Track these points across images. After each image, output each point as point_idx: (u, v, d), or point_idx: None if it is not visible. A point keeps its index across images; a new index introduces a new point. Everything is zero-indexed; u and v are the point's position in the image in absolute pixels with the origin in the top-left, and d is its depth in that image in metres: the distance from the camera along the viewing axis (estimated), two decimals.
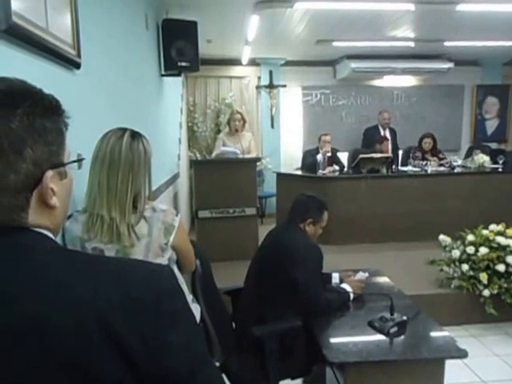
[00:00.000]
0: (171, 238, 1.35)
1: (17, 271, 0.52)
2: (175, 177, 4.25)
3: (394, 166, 4.76)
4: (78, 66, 1.46)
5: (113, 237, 1.25)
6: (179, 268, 1.49)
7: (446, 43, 5.42)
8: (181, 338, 0.57)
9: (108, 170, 1.26)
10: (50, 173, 0.56)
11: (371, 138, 5.56)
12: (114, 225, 1.24)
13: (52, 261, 0.55)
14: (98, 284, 0.54)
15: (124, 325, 0.52)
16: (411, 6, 3.90)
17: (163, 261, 1.34)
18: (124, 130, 1.33)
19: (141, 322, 0.53)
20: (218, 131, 5.97)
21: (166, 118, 3.87)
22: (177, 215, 1.40)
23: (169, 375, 0.55)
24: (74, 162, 0.63)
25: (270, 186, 5.85)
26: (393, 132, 5.82)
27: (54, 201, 0.58)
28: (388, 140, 5.48)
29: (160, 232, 1.33)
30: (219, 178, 3.79)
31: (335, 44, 5.28)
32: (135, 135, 1.33)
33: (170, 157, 4.02)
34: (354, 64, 5.87)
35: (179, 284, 0.61)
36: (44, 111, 0.56)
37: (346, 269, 2.32)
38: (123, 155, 1.26)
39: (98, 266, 0.58)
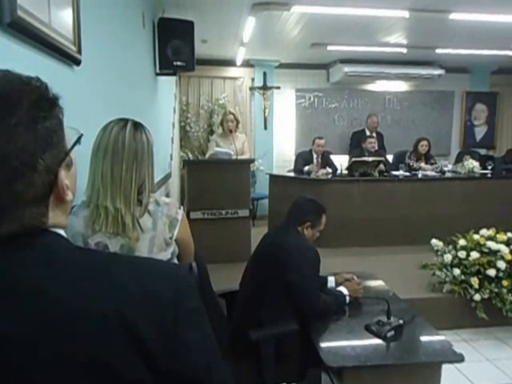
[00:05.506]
0: (175, 232, 1.34)
1: (41, 272, 0.52)
2: (167, 177, 4.21)
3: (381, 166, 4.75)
4: (78, 62, 1.44)
5: (118, 228, 1.22)
6: (178, 260, 1.47)
7: (438, 50, 5.51)
8: (198, 336, 0.58)
9: (112, 159, 1.23)
10: (62, 173, 0.56)
11: (357, 141, 5.61)
12: (118, 216, 1.21)
13: (72, 261, 0.55)
14: (117, 281, 0.54)
15: (144, 321, 0.52)
16: (406, 13, 3.96)
17: (166, 255, 1.32)
18: (126, 120, 1.30)
19: (160, 319, 0.54)
20: (211, 132, 5.95)
21: (159, 116, 3.84)
22: (180, 208, 1.39)
23: (186, 373, 0.55)
24: (76, 142, 0.60)
25: (261, 187, 5.84)
26: (379, 135, 5.86)
27: (70, 196, 0.58)
28: (373, 138, 5.48)
29: (165, 226, 1.31)
30: (212, 179, 3.76)
31: (329, 48, 5.32)
32: (137, 125, 1.30)
33: (162, 156, 3.98)
34: (347, 68, 5.92)
35: (194, 283, 0.61)
36: (42, 111, 0.53)
37: (337, 272, 2.31)
38: (127, 145, 1.24)
39: (116, 263, 0.58)
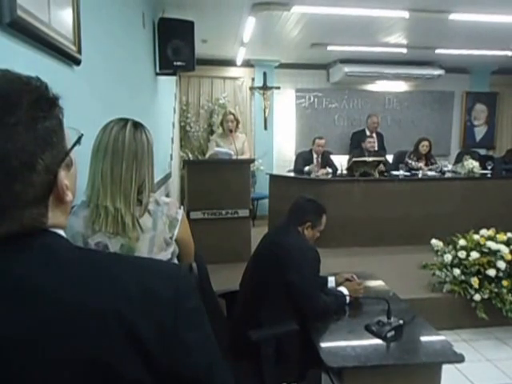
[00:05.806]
0: (175, 232, 1.34)
1: (41, 272, 0.52)
2: (167, 177, 4.21)
3: (381, 166, 4.75)
4: (78, 62, 1.44)
5: (118, 228, 1.22)
6: (178, 260, 1.47)
7: (438, 51, 5.52)
8: (198, 336, 0.58)
9: (112, 159, 1.23)
10: (62, 173, 0.55)
11: (357, 141, 5.61)
12: (118, 216, 1.21)
13: (72, 261, 0.55)
14: (117, 281, 0.54)
15: (143, 321, 0.52)
16: (405, 14, 3.96)
17: (167, 255, 1.32)
18: (126, 119, 1.30)
19: (160, 319, 0.54)
20: (211, 131, 5.95)
21: (159, 116, 3.84)
22: (180, 208, 1.39)
23: (186, 373, 0.55)
24: (76, 143, 0.60)
25: (261, 187, 5.84)
26: (379, 136, 5.87)
27: (70, 196, 0.57)
28: (373, 138, 5.49)
29: (165, 226, 1.31)
30: (212, 179, 3.76)
31: (329, 48, 5.32)
32: (137, 125, 1.31)
33: (162, 156, 3.98)
34: (347, 68, 5.93)
35: (195, 283, 0.61)
36: (42, 111, 0.53)
37: (337, 272, 2.31)
38: (127, 144, 1.24)
39: (116, 263, 0.59)
